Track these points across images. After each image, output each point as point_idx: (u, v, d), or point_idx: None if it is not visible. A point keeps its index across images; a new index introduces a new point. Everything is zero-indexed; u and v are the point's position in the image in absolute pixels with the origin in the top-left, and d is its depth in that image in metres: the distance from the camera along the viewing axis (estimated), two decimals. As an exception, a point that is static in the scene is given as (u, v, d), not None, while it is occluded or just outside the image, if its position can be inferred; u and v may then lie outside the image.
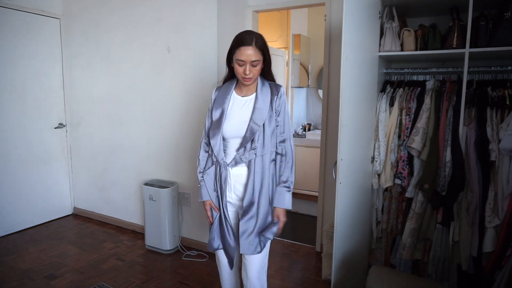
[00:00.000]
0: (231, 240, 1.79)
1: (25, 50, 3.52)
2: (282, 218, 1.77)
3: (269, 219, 1.75)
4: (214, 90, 1.81)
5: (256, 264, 1.79)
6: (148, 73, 3.31)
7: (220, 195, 1.76)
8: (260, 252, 1.75)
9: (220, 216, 1.79)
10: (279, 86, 1.76)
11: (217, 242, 1.82)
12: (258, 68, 1.65)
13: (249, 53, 1.59)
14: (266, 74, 1.75)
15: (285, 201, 1.76)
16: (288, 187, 1.77)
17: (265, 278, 1.86)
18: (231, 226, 1.79)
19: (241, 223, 1.72)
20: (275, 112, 1.72)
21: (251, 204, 1.70)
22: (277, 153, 1.75)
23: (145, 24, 3.26)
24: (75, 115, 3.93)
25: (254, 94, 1.72)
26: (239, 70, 1.64)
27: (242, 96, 1.74)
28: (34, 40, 3.59)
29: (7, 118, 3.44)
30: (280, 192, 1.75)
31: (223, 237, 1.80)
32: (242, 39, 1.61)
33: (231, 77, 1.79)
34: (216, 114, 1.73)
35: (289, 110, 3.49)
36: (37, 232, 3.55)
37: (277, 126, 1.73)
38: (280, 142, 1.75)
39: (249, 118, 1.68)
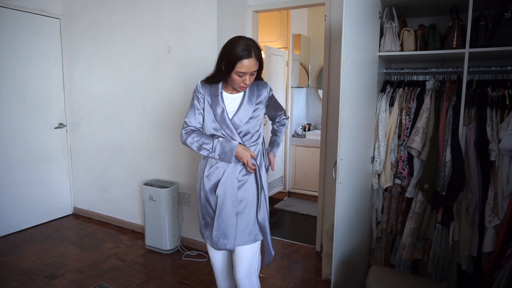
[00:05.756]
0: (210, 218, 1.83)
1: (25, 50, 3.52)
2: (272, 158, 1.98)
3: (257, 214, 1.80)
4: (201, 85, 1.80)
5: (244, 263, 1.79)
6: (148, 73, 3.31)
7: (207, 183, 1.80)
8: (252, 242, 1.78)
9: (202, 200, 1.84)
10: (265, 83, 1.83)
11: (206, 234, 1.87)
12: (254, 76, 1.70)
13: (250, 65, 1.61)
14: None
15: (279, 148, 2.04)
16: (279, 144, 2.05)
17: (256, 279, 1.84)
18: (212, 210, 1.81)
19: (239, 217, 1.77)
20: (267, 106, 1.86)
21: (238, 200, 1.76)
22: (278, 123, 2.01)
23: (145, 24, 3.26)
24: (75, 115, 3.94)
25: (242, 92, 1.77)
26: (237, 80, 1.65)
27: (230, 93, 1.77)
28: (34, 40, 3.59)
29: (7, 118, 3.44)
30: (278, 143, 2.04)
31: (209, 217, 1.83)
32: (243, 52, 1.58)
33: (217, 78, 1.75)
34: (218, 110, 1.74)
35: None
36: (37, 232, 3.56)
37: (270, 113, 1.95)
38: (280, 117, 1.97)
39: (233, 113, 1.74)
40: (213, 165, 1.77)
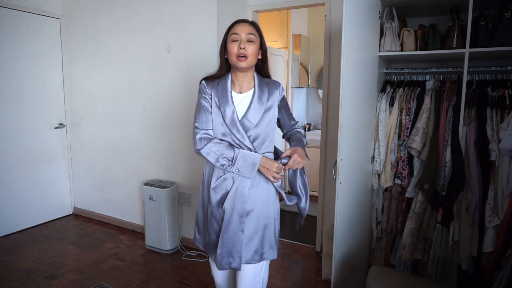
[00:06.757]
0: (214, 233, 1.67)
1: (25, 50, 3.52)
2: (296, 156, 1.55)
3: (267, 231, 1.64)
4: (206, 84, 1.63)
5: (246, 282, 1.65)
6: (148, 73, 3.31)
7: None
8: (257, 262, 1.63)
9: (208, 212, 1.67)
10: (277, 82, 1.68)
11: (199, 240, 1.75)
12: (254, 48, 1.54)
13: (244, 28, 1.54)
14: (262, 69, 1.67)
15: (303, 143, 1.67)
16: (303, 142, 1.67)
17: None
18: (218, 225, 1.64)
19: (246, 230, 1.60)
20: (279, 108, 1.68)
21: (247, 211, 1.58)
22: (292, 129, 1.76)
23: (145, 24, 3.26)
24: (75, 115, 3.93)
25: (252, 91, 1.61)
26: (233, 49, 1.52)
27: (239, 93, 1.62)
28: (34, 40, 3.58)
29: (7, 118, 3.44)
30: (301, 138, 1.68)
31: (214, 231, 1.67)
32: (237, 19, 1.60)
33: (222, 73, 1.64)
34: (228, 112, 1.57)
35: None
36: (37, 232, 3.55)
37: (282, 119, 1.74)
38: (292, 127, 1.76)
39: (242, 114, 1.57)
40: (221, 176, 1.60)
